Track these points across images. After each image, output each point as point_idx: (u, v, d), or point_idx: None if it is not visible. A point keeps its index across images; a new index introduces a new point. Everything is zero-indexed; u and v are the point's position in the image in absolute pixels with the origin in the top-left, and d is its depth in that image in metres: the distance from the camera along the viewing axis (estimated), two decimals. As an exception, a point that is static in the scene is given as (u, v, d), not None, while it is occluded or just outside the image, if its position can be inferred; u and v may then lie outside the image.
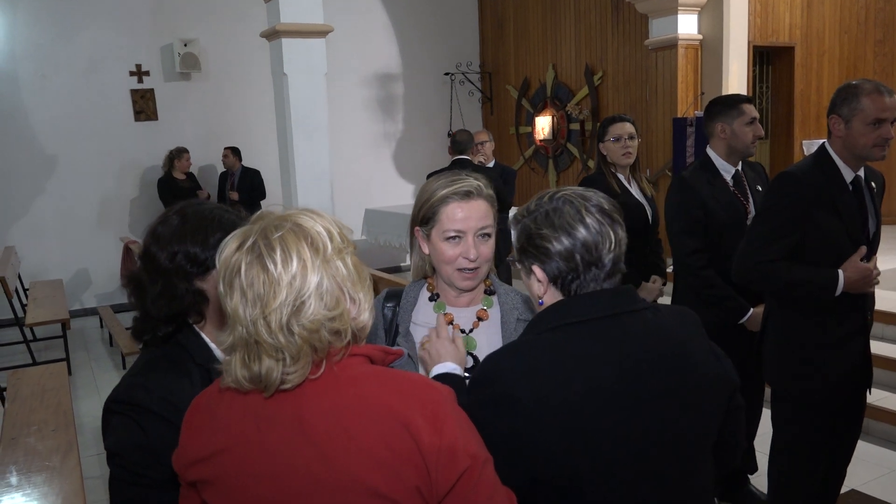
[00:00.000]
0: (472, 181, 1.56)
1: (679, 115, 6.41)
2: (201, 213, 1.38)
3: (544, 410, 1.17)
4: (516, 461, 1.14)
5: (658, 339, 1.27)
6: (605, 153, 3.30)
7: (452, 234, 1.55)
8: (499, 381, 1.20)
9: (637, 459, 1.21)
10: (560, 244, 1.27)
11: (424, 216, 1.59)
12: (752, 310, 2.88)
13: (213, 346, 1.38)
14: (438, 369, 1.42)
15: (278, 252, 1.04)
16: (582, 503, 1.20)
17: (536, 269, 1.31)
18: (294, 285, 1.03)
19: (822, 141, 2.45)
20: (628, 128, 3.26)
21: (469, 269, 1.57)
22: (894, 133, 2.30)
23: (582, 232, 1.26)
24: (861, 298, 2.41)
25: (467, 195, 1.54)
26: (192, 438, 1.13)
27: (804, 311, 2.46)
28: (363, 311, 1.12)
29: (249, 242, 1.07)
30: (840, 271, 2.32)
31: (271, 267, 1.03)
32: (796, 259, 2.39)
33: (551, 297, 1.31)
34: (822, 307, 2.40)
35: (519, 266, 1.37)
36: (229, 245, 1.09)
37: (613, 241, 1.27)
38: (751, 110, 2.93)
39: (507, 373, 1.21)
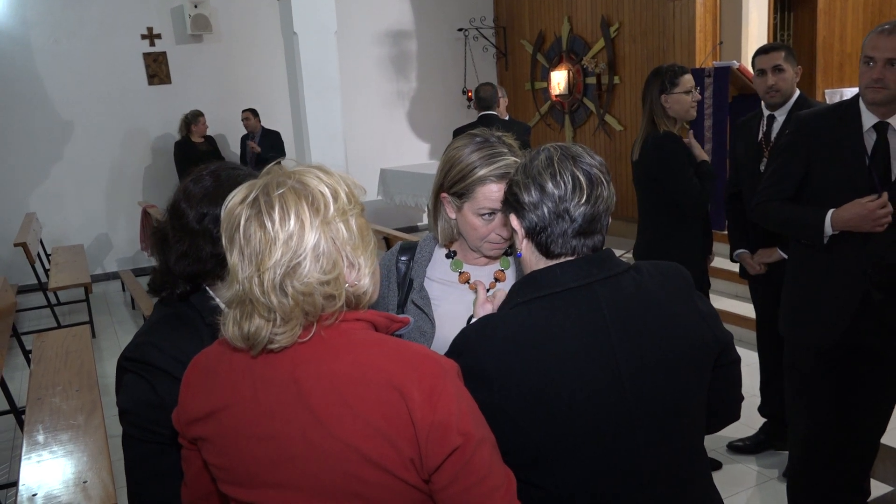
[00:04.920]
0: (510, 158, 1.51)
1: (697, 66, 6.26)
2: (234, 178, 1.36)
3: (510, 385, 1.16)
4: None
5: (636, 306, 1.24)
6: (666, 105, 3.08)
7: (487, 211, 1.53)
8: (466, 354, 1.19)
9: (614, 433, 1.19)
10: (529, 195, 1.24)
11: (458, 191, 1.55)
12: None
13: (223, 306, 1.38)
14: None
15: (277, 210, 1.02)
16: (554, 476, 1.20)
17: (513, 218, 1.29)
18: (290, 245, 1.01)
19: (843, 90, 2.38)
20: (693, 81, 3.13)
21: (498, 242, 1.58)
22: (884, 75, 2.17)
23: (550, 186, 1.23)
24: (860, 253, 2.28)
25: (505, 176, 1.50)
26: (191, 397, 1.13)
27: (801, 253, 2.46)
28: (363, 276, 1.09)
29: (251, 197, 1.05)
30: (830, 210, 2.26)
31: (268, 224, 1.02)
32: (804, 201, 2.37)
33: (528, 249, 1.29)
34: (814, 253, 2.37)
35: (503, 214, 1.35)
36: (234, 197, 1.08)
37: (587, 196, 1.23)
38: (758, 62, 3.04)
39: (475, 347, 1.20)
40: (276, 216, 1.02)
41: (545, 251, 1.27)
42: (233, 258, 1.06)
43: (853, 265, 2.31)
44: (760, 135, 3.08)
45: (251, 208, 1.04)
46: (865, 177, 2.25)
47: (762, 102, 3.12)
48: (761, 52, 3.05)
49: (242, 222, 1.04)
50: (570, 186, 1.22)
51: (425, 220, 8.91)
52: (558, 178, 1.23)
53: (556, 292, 1.22)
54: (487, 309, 1.47)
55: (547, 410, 1.17)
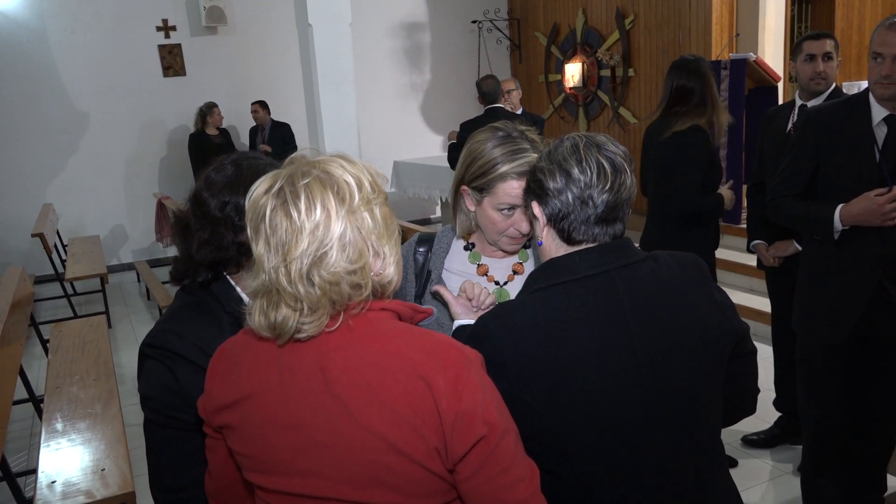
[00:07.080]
0: (532, 155, 1.50)
1: (713, 58, 6.22)
2: (256, 167, 1.38)
3: (528, 372, 1.17)
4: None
5: (654, 295, 1.24)
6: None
7: (507, 207, 1.52)
8: (486, 342, 1.19)
9: (631, 421, 1.19)
10: (554, 181, 1.25)
11: (479, 185, 1.55)
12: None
13: (244, 295, 1.40)
14: (456, 324, 1.46)
15: (302, 200, 1.02)
16: (572, 464, 1.20)
17: (535, 205, 1.29)
18: (316, 234, 1.02)
19: (862, 83, 2.37)
20: None
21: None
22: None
23: (575, 171, 1.23)
24: (872, 248, 2.27)
25: (527, 173, 1.48)
26: (217, 385, 1.14)
27: (814, 249, 2.46)
28: (388, 265, 1.10)
29: (276, 187, 1.05)
30: (840, 205, 2.25)
31: (294, 214, 1.02)
32: (814, 195, 2.37)
33: (549, 237, 1.29)
34: (826, 249, 2.36)
35: (524, 204, 1.35)
36: (259, 187, 1.08)
37: (610, 183, 1.23)
38: (808, 47, 2.99)
39: (494, 334, 1.20)
40: (302, 206, 1.02)
41: (566, 238, 1.27)
42: (258, 248, 1.06)
43: (865, 260, 2.30)
44: (790, 125, 3.06)
45: (276, 198, 1.05)
46: (875, 171, 2.24)
47: (797, 92, 3.10)
48: (812, 37, 3.02)
49: (268, 212, 1.04)
50: (595, 173, 1.23)
51: (438, 213, 8.90)
52: (584, 163, 1.23)
53: (575, 279, 1.23)
54: (462, 305, 1.49)
55: (564, 398, 1.17)
